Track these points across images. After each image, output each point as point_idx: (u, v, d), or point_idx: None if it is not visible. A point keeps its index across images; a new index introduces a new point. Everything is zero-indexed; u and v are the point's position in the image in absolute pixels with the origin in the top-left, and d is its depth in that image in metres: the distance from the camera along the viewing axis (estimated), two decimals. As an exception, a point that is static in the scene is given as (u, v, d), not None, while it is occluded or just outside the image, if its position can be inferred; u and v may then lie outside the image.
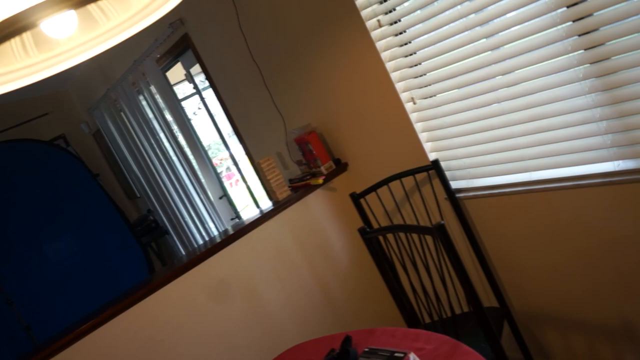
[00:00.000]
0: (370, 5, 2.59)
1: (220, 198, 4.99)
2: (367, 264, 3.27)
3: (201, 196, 5.11)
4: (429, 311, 2.18)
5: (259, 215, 3.04)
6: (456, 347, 1.72)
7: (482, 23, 2.24)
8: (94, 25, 1.35)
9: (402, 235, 2.56)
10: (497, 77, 2.31)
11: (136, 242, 5.27)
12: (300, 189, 3.17)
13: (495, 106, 2.36)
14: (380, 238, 2.52)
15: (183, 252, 6.09)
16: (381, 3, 2.57)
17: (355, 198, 2.78)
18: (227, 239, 2.81)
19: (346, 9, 2.64)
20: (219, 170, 5.10)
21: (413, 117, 2.70)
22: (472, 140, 2.52)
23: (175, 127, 4.94)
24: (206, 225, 5.36)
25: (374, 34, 2.63)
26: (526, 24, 2.10)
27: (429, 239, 2.71)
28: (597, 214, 2.16)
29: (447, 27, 2.38)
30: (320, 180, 3.09)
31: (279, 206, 3.03)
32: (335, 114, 3.10)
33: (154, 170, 5.74)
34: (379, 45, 2.64)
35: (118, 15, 1.35)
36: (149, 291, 2.53)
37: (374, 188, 2.77)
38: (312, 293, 3.05)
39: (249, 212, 4.77)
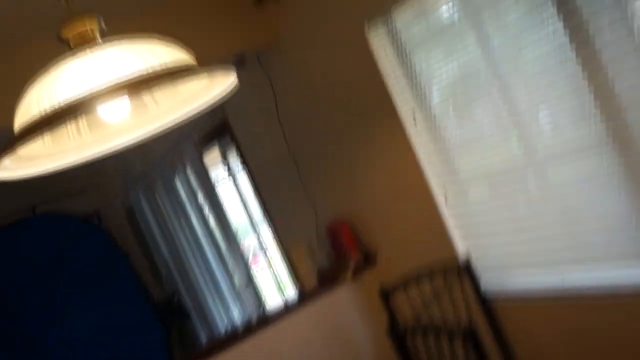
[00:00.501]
0: (408, 102, 2.66)
1: (247, 287, 4.97)
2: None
3: (227, 282, 5.09)
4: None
5: (283, 309, 3.00)
6: None
7: (516, 125, 2.28)
8: (144, 110, 1.40)
9: (430, 336, 2.48)
10: (530, 177, 2.31)
11: (159, 325, 5.22)
12: (327, 281, 3.14)
13: (526, 198, 2.35)
14: (408, 338, 2.45)
15: (204, 339, 5.99)
16: (419, 100, 2.63)
17: (384, 294, 2.73)
18: (250, 329, 2.77)
19: (385, 104, 2.70)
20: (246, 255, 5.11)
21: (444, 212, 2.70)
22: (503, 230, 2.48)
23: (206, 209, 5.00)
24: (230, 313, 5.31)
25: (410, 130, 2.68)
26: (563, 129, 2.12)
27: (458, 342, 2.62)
28: (634, 326, 2.08)
29: (482, 128, 2.42)
30: (349, 275, 3.05)
31: (306, 298, 3.00)
32: (368, 206, 3.11)
33: (182, 252, 5.76)
34: (414, 141, 2.68)
35: (167, 102, 1.41)
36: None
37: (402, 285, 2.72)
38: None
39: (273, 299, 4.72)
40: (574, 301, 2.26)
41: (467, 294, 2.68)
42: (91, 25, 1.21)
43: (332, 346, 3.00)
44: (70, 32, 1.20)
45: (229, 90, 1.26)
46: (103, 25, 1.23)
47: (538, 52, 2.09)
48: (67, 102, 1.04)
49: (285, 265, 4.04)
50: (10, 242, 4.59)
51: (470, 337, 1.80)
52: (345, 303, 3.11)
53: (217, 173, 4.92)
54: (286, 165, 3.53)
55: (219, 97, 1.32)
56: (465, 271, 2.63)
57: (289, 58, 3.19)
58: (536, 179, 2.32)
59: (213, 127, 4.25)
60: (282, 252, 4.00)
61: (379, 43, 2.65)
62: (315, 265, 3.24)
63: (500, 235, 2.51)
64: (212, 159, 4.81)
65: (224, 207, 4.90)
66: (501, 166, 2.41)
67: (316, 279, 3.14)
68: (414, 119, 2.67)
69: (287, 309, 3.04)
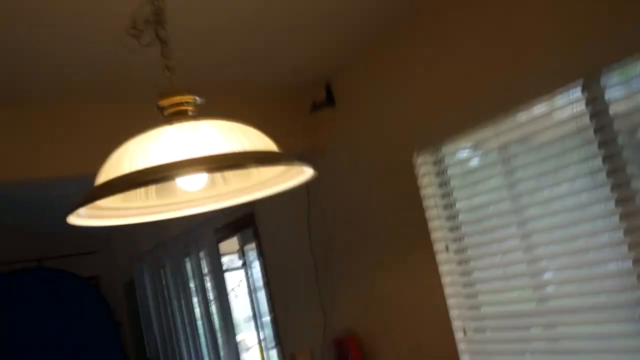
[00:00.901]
0: (442, 229, 2.69)
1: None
2: None
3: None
4: None
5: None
6: None
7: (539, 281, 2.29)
8: (212, 185, 1.45)
9: None
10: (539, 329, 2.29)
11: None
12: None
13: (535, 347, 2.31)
14: None
15: None
16: (454, 232, 2.67)
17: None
18: None
19: (421, 231, 2.73)
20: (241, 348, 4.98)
21: (461, 346, 2.65)
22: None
23: (211, 296, 4.94)
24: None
25: (440, 257, 2.70)
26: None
27: None
28: None
29: (509, 268, 2.44)
30: (351, 390, 2.97)
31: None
32: (382, 327, 3.06)
33: (174, 335, 5.62)
34: (443, 270, 2.69)
35: (236, 183, 1.46)
36: None
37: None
38: None
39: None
40: None
41: None
42: (189, 99, 1.28)
43: None
44: (169, 101, 1.27)
45: (304, 182, 1.31)
46: (199, 100, 1.30)
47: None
48: (159, 166, 1.08)
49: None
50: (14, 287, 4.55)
51: None
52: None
53: (231, 260, 4.91)
54: (305, 269, 3.53)
55: (292, 187, 1.36)
56: (473, 412, 2.54)
57: (330, 166, 3.27)
58: (545, 331, 2.31)
59: (238, 217, 4.29)
60: (281, 354, 3.90)
61: (425, 170, 2.73)
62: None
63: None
64: (229, 245, 4.82)
65: (229, 297, 4.85)
66: (516, 309, 2.43)
67: (315, 389, 3.05)
68: (447, 248, 2.69)
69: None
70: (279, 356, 3.99)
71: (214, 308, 4.92)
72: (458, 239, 2.66)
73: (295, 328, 3.78)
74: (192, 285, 5.31)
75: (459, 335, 2.66)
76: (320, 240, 3.42)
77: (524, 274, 2.39)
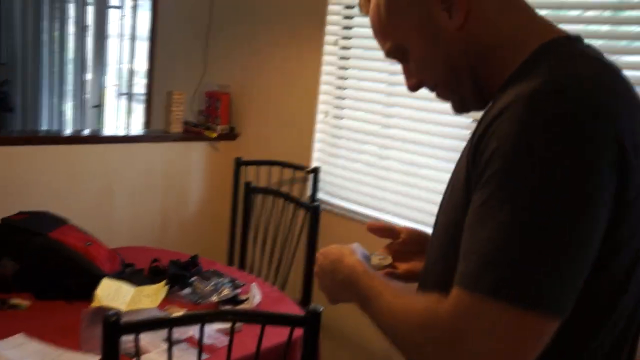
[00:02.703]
0: (337, 25, 3.03)
1: (94, 107, 5.03)
2: (217, 221, 3.58)
3: (78, 94, 5.08)
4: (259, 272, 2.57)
5: (143, 134, 3.30)
6: (282, 298, 2.12)
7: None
8: None
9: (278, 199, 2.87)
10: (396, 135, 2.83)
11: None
12: (191, 133, 3.45)
13: (386, 151, 2.88)
14: (255, 196, 2.83)
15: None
16: (344, 29, 3.02)
17: (239, 163, 3.12)
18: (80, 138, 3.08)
19: (317, 10, 3.04)
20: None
21: (319, 126, 3.14)
22: (357, 168, 3.00)
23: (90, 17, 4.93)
24: (62, 126, 5.31)
25: (327, 47, 3.06)
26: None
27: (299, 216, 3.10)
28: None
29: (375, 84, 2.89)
30: (214, 134, 3.39)
31: (166, 137, 3.31)
32: (255, 90, 3.45)
33: (38, 44, 5.53)
34: (325, 58, 3.07)
35: None
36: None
37: (258, 163, 3.13)
38: (153, 217, 3.31)
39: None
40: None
41: (304, 194, 3.17)
42: None
43: (169, 184, 3.34)
44: None
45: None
46: None
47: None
48: None
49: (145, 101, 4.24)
50: None
51: (313, 210, 2.27)
52: (197, 157, 3.46)
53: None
54: (198, 17, 3.69)
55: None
56: (312, 177, 3.10)
57: None
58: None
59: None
60: (151, 90, 4.16)
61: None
62: (185, 115, 3.51)
63: (355, 164, 3.01)
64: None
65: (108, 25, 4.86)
66: (369, 118, 2.95)
67: (181, 127, 3.42)
68: (336, 44, 3.04)
69: (144, 137, 3.33)
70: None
71: (89, 40, 4.94)
72: (347, 38, 3.02)
73: (173, 78, 4.00)
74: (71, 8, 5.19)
75: (320, 116, 3.14)
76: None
77: (382, 102, 2.87)
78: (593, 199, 0.71)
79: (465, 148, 0.87)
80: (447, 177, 0.94)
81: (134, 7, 4.74)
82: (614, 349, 0.82)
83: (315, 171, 3.06)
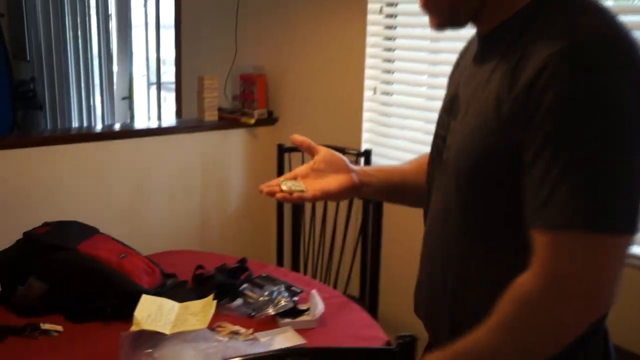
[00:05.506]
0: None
1: (124, 99, 4.83)
2: (263, 216, 3.33)
3: (106, 88, 4.90)
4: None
5: (175, 125, 3.08)
6: (347, 303, 1.85)
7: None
8: None
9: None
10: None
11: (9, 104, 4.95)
12: (227, 120, 3.19)
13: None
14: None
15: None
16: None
17: (282, 150, 2.85)
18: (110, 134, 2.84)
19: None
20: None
21: (366, 105, 2.84)
22: (411, 148, 2.70)
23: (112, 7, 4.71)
24: (92, 121, 5.16)
25: (370, 17, 2.74)
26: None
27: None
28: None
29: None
30: (252, 121, 3.13)
31: (200, 126, 3.06)
32: (292, 70, 3.16)
33: (62, 39, 5.34)
34: (370, 29, 2.76)
35: None
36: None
37: (299, 150, 2.85)
38: (191, 216, 3.08)
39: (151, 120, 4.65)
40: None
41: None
42: None
43: (207, 178, 3.10)
44: None
45: None
46: None
47: None
48: None
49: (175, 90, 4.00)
50: None
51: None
52: (236, 146, 3.20)
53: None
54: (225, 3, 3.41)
55: None
56: (363, 161, 2.81)
57: None
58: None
59: None
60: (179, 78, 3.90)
61: None
62: (219, 102, 3.25)
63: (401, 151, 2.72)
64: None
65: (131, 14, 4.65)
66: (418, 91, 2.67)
67: (216, 114, 3.16)
68: (380, 11, 2.73)
69: (177, 129, 3.09)
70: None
71: (113, 31, 4.73)
72: (391, 4, 2.71)
73: (203, 62, 3.74)
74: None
75: (368, 93, 2.84)
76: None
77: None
78: None
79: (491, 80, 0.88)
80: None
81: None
82: None
83: (368, 154, 2.77)
